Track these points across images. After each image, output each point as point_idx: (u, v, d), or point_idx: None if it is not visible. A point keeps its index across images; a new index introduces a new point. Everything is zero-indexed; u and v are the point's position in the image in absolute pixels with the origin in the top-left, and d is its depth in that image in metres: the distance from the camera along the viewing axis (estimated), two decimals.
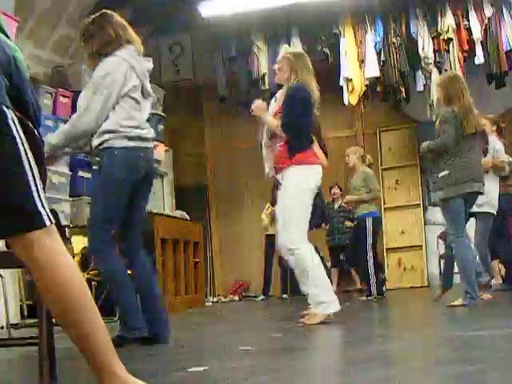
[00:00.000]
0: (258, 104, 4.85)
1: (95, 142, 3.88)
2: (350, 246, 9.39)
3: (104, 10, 4.02)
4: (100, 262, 4.01)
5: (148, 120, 4.04)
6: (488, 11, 9.50)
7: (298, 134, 4.74)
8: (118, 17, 3.99)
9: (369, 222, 7.88)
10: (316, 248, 4.95)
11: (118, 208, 3.86)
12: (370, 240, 7.82)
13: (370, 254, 7.79)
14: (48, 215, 1.69)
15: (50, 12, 9.08)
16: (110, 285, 4.10)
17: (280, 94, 4.94)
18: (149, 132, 3.97)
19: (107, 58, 3.85)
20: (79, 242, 7.56)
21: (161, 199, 10.74)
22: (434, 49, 9.73)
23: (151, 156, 3.99)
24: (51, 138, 3.92)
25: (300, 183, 4.69)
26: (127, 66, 3.83)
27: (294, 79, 4.81)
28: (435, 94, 5.59)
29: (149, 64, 4.05)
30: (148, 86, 3.99)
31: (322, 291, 4.58)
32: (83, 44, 4.02)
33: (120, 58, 3.83)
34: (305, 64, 4.88)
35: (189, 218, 9.39)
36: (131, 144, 3.84)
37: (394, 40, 9.86)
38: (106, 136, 3.82)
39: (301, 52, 5.13)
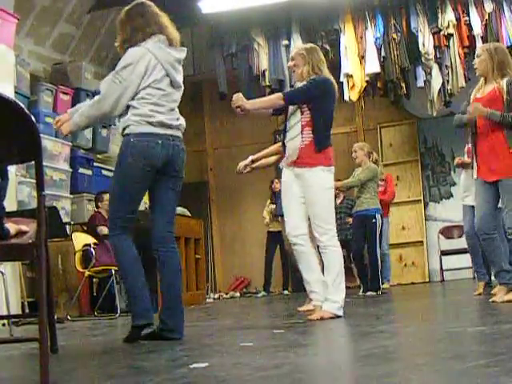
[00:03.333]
0: (236, 95, 4.68)
1: (120, 129, 3.95)
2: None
3: (138, 1, 4.02)
4: (112, 247, 4.00)
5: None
6: (488, 6, 9.48)
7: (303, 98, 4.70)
8: (152, 7, 4.00)
9: (378, 219, 7.97)
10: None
11: (131, 195, 3.88)
12: (373, 237, 7.88)
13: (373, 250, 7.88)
14: None
15: (50, 9, 9.09)
16: (120, 271, 4.09)
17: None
18: (175, 120, 3.94)
19: (132, 48, 3.87)
20: (80, 239, 7.56)
21: None
22: (434, 45, 9.72)
23: (175, 144, 3.91)
24: (76, 118, 3.93)
25: (330, 183, 4.78)
26: (150, 58, 3.83)
27: (313, 73, 4.79)
28: (478, 63, 5.20)
29: (178, 54, 3.97)
30: (177, 77, 3.94)
31: (339, 292, 4.68)
32: (118, 33, 4.01)
33: (144, 49, 3.84)
34: (320, 58, 4.88)
35: (190, 215, 9.40)
36: (149, 130, 3.83)
37: (395, 36, 9.85)
38: (129, 122, 3.85)
39: (313, 46, 5.08)
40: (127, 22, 3.95)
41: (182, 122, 4.02)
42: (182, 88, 4.03)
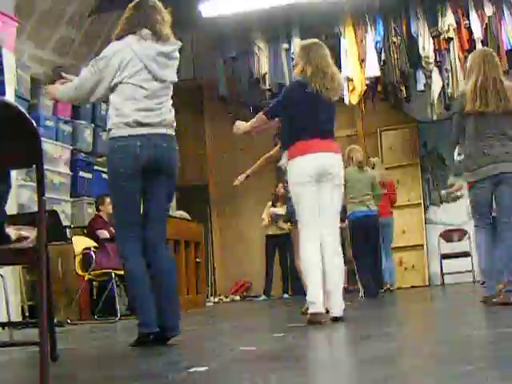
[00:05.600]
0: (236, 124, 5.08)
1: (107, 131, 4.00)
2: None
3: None
4: (119, 254, 3.99)
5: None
6: (488, 10, 9.49)
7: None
8: (148, 3, 3.99)
9: (350, 223, 8.15)
10: None
11: (127, 201, 3.88)
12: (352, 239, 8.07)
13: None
14: None
15: (50, 12, 9.08)
16: (126, 279, 4.04)
17: None
18: (155, 116, 3.88)
19: (116, 41, 3.95)
20: (80, 242, 7.56)
21: None
22: (434, 48, 9.73)
23: (157, 143, 3.85)
24: (60, 91, 4.14)
25: (293, 177, 4.77)
26: (127, 51, 3.86)
27: (300, 74, 4.90)
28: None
29: (164, 47, 3.93)
30: (160, 70, 3.90)
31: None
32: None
33: (123, 43, 3.89)
34: (308, 58, 4.89)
35: (190, 218, 9.39)
36: (129, 132, 3.84)
37: (395, 39, 9.86)
38: (111, 126, 3.88)
39: (306, 44, 5.09)
40: (123, 18, 4.01)
41: (167, 116, 3.93)
42: (170, 81, 3.97)
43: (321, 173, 4.68)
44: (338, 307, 4.57)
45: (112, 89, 3.89)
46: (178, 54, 4.04)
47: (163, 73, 3.93)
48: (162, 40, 3.94)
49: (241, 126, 5.04)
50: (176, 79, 4.04)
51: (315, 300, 4.57)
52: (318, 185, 4.69)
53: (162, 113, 3.92)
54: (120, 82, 3.86)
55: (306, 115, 4.83)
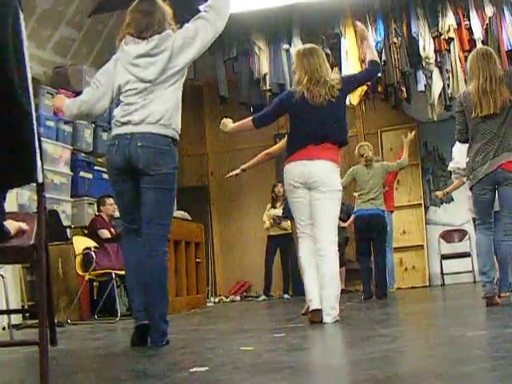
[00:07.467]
0: (223, 121, 5.19)
1: None
2: None
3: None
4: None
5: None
6: (489, 10, 9.49)
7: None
8: (131, 6, 4.02)
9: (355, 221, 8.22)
10: None
11: (117, 200, 4.04)
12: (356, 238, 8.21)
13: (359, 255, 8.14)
14: None
15: (50, 13, 9.08)
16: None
17: None
18: (139, 114, 3.79)
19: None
20: (80, 242, 7.55)
21: None
22: (434, 49, 9.73)
23: (133, 142, 3.75)
24: (66, 107, 4.07)
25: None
26: (116, 63, 3.95)
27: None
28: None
29: (143, 47, 3.87)
30: (141, 72, 3.84)
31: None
32: None
33: (115, 56, 3.99)
34: (297, 64, 4.98)
35: (190, 219, 9.39)
36: (113, 132, 3.92)
37: (395, 40, 9.85)
38: None
39: (297, 51, 5.18)
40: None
41: (154, 115, 3.77)
42: (159, 79, 3.84)
43: (303, 181, 4.79)
44: (329, 315, 4.58)
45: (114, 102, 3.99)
46: (166, 45, 3.89)
47: (145, 74, 3.85)
48: (146, 40, 3.90)
49: (228, 124, 5.13)
50: (168, 69, 3.87)
51: (312, 297, 4.63)
52: (310, 192, 4.78)
53: (149, 110, 3.80)
54: (119, 94, 3.92)
55: (292, 125, 4.96)
